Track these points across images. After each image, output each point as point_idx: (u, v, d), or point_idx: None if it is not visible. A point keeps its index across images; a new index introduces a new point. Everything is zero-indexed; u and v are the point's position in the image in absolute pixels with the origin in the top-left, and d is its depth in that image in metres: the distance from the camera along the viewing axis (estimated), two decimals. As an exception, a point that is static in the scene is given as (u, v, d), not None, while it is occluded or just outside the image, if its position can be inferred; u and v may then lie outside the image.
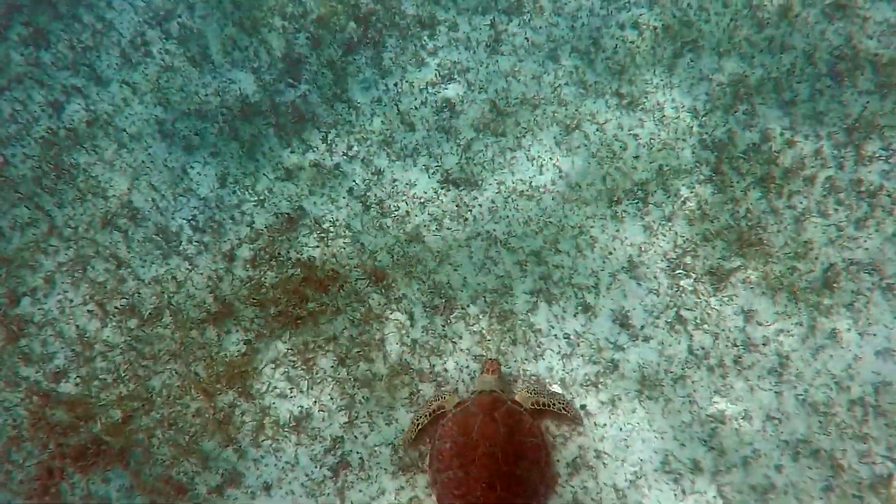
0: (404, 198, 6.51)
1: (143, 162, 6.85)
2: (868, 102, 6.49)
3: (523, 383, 5.73)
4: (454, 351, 5.82)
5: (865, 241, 5.98)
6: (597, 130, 6.63)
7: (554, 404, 5.50)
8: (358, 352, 5.84)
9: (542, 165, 6.51)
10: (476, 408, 5.35)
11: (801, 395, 5.46)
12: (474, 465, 5.11)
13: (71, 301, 6.29)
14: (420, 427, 5.49)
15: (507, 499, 5.09)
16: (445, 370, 5.73)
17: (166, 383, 5.84)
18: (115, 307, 6.20)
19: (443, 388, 5.73)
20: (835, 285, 5.82)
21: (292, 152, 6.85)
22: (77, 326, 6.14)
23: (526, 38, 7.09)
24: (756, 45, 6.86)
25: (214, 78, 7.25)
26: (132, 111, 7.14)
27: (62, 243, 6.55)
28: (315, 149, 6.83)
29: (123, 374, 5.89)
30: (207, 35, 7.47)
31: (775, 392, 5.50)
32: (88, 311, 6.21)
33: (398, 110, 6.91)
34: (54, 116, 7.15)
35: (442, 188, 6.52)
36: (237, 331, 6.03)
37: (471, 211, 6.38)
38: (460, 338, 5.85)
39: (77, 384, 5.89)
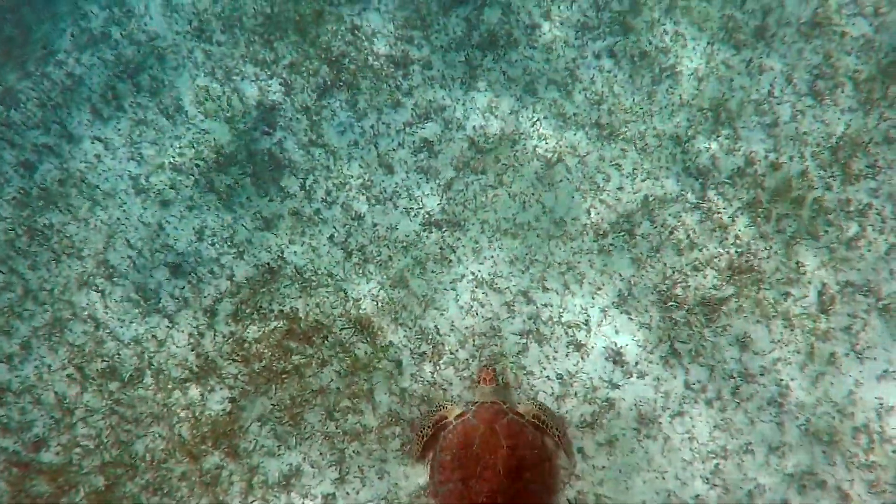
0: (386, 242, 6.45)
1: (118, 219, 6.78)
2: (851, 120, 6.50)
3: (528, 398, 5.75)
4: (445, 398, 5.73)
5: (858, 261, 5.95)
6: (578, 163, 6.60)
7: (552, 429, 5.51)
8: (346, 404, 5.76)
9: (524, 202, 6.47)
10: (477, 419, 5.38)
11: (804, 424, 5.40)
12: (475, 477, 5.15)
13: (49, 366, 6.18)
14: (425, 439, 5.51)
15: None
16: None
17: (150, 447, 5.73)
18: (95, 370, 6.10)
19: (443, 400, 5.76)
20: (830, 309, 5.77)
21: (270, 201, 6.80)
22: (56, 392, 6.03)
23: (502, 73, 7.09)
24: (734, 68, 6.87)
25: (188, 129, 7.21)
26: (105, 167, 7.09)
27: (38, 307, 6.45)
28: (293, 196, 6.78)
29: (105, 440, 5.78)
30: (179, 86, 7.45)
31: (777, 423, 5.43)
32: (67, 375, 6.11)
33: (376, 153, 6.88)
34: (26, 176, 7.09)
35: (424, 231, 6.46)
36: (221, 388, 5.94)
37: (454, 252, 6.33)
38: (451, 384, 5.77)
39: (58, 452, 5.77)
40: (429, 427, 5.54)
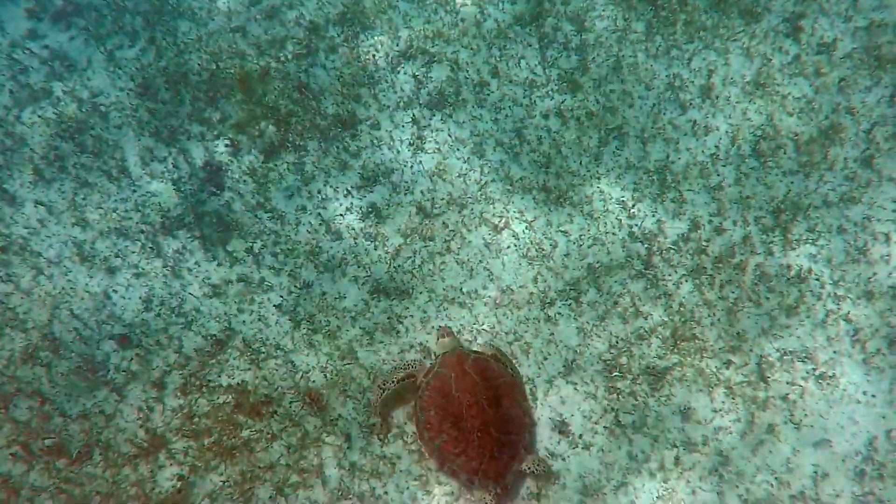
0: (334, 311, 6.77)
1: (63, 289, 7.02)
2: (792, 183, 6.92)
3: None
4: (393, 472, 6.07)
5: (797, 328, 6.38)
6: (526, 229, 6.97)
7: (507, 366, 6.24)
8: (296, 479, 6.07)
9: (472, 269, 6.83)
10: (446, 368, 6.07)
11: (743, 494, 5.82)
12: (464, 419, 5.83)
13: (-7, 444, 6.43)
14: (386, 393, 6.14)
15: (503, 437, 5.82)
16: (386, 493, 5.97)
17: (99, 528, 6.00)
18: (41, 448, 6.34)
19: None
20: (769, 377, 6.20)
21: (219, 265, 7.08)
22: (0, 472, 6.26)
23: (449, 134, 7.42)
24: (680, 129, 7.26)
25: (133, 192, 7.47)
26: (49, 233, 7.32)
27: (-20, 381, 6.69)
28: (242, 261, 7.06)
29: (53, 521, 6.05)
30: (123, 146, 7.69)
31: (717, 492, 5.84)
32: (12, 454, 6.34)
33: (322, 218, 7.19)
34: (-34, 243, 7.30)
35: (372, 299, 6.79)
36: (171, 465, 6.22)
37: (402, 323, 6.67)
38: (399, 458, 6.10)
39: (4, 536, 6.03)
40: (391, 382, 6.18)
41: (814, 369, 6.21)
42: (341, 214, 7.21)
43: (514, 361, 6.35)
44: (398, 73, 7.83)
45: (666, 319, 6.52)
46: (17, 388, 6.63)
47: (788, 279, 6.57)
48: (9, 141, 7.77)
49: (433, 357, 6.36)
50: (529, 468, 5.88)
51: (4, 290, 7.06)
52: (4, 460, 6.35)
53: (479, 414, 5.82)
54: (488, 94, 7.63)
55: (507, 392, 6.04)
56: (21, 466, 6.31)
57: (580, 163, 7.23)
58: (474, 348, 6.43)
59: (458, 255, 6.92)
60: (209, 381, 6.56)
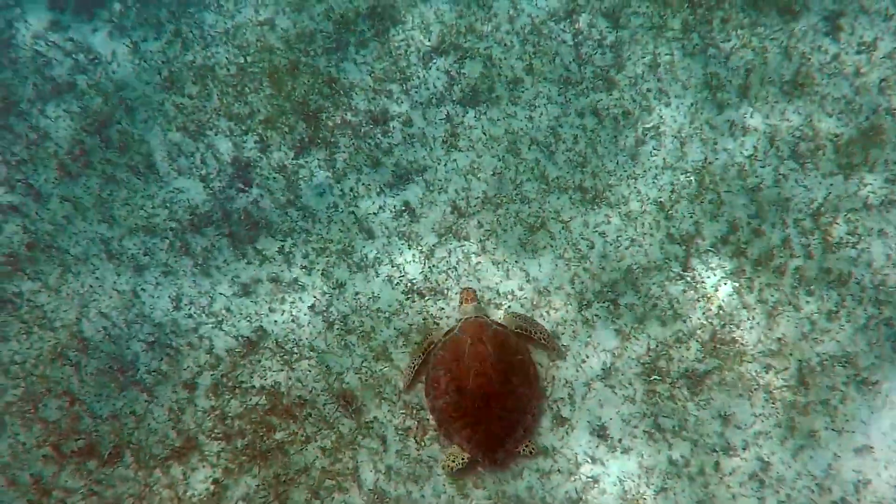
0: (368, 312, 6.81)
1: (90, 287, 7.06)
2: (832, 185, 6.95)
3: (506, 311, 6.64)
4: (431, 475, 6.13)
5: (837, 332, 6.42)
6: (562, 229, 7.01)
7: (536, 333, 6.42)
8: (331, 482, 6.13)
9: (507, 270, 6.88)
10: (464, 333, 6.30)
11: (784, 500, 5.87)
12: (468, 386, 6.04)
13: (23, 444, 6.48)
14: (416, 368, 6.40)
15: (503, 413, 6.02)
16: (423, 496, 6.02)
17: (133, 530, 6.07)
18: (72, 449, 6.39)
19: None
20: (809, 382, 6.24)
21: (248, 263, 7.12)
22: (32, 473, 6.32)
23: (483, 132, 7.45)
24: (717, 129, 7.29)
25: (160, 188, 7.50)
26: (75, 230, 7.35)
27: (10, 381, 6.75)
28: (272, 260, 7.10)
29: (85, 523, 6.12)
30: (150, 141, 7.71)
31: (757, 498, 5.91)
32: (43, 455, 6.39)
33: (355, 217, 7.23)
34: (-9, 239, 7.34)
35: (407, 299, 6.84)
36: (204, 467, 6.28)
37: (437, 324, 6.72)
38: (436, 461, 6.16)
39: (36, 537, 6.10)
40: (419, 356, 6.47)
41: (855, 374, 6.27)
42: (374, 213, 7.26)
43: (541, 331, 6.47)
44: (430, 68, 7.86)
45: (705, 322, 6.57)
46: (46, 388, 6.70)
47: (828, 283, 6.62)
48: (33, 135, 7.79)
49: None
50: (523, 450, 6.10)
51: (32, 288, 7.11)
52: (36, 461, 6.41)
53: (485, 385, 6.05)
54: (522, 92, 7.66)
55: (520, 370, 6.22)
56: (52, 467, 6.38)
57: (617, 162, 7.28)
58: (505, 315, 6.64)
59: (493, 255, 6.97)
60: (241, 382, 6.62)
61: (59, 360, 6.81)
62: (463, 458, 6.02)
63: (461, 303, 6.56)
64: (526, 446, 6.11)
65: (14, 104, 7.94)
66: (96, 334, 6.89)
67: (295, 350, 6.72)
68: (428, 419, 6.28)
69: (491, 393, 6.03)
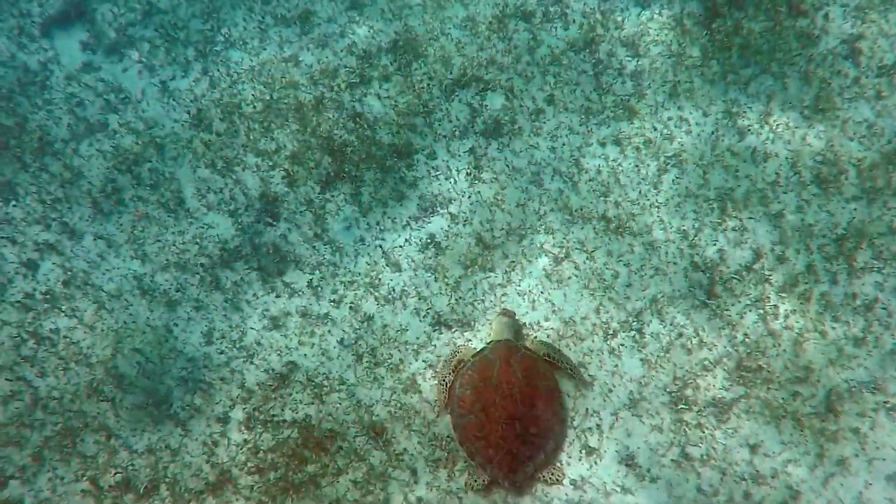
0: (396, 345, 6.94)
1: (124, 323, 7.25)
2: (856, 209, 7.00)
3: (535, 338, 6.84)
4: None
5: (865, 358, 6.46)
6: (587, 259, 7.11)
7: (562, 362, 6.58)
8: (363, 514, 6.26)
9: (533, 301, 6.99)
10: (494, 355, 6.46)
11: (814, 528, 5.92)
12: (494, 407, 6.20)
13: (62, 479, 6.65)
14: (448, 386, 6.54)
15: (526, 437, 6.15)
16: (453, 526, 6.14)
17: (170, 564, 6.22)
18: (110, 483, 6.56)
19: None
20: (838, 409, 6.28)
21: (277, 297, 7.28)
22: (71, 508, 6.52)
23: (507, 163, 7.57)
24: (739, 156, 7.36)
25: (191, 224, 7.68)
26: (109, 266, 7.55)
27: (48, 416, 6.92)
28: (301, 293, 7.25)
29: (124, 557, 6.27)
30: (180, 178, 7.91)
31: (788, 527, 5.95)
32: (82, 489, 6.57)
33: (382, 250, 7.37)
34: (29, 276, 7.52)
35: (434, 331, 6.96)
36: (238, 500, 6.42)
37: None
38: (465, 493, 6.25)
39: (77, 572, 6.27)
40: (449, 374, 6.64)
41: (884, 401, 6.30)
42: (400, 246, 7.41)
43: (567, 361, 6.61)
44: (452, 101, 8.00)
45: (731, 350, 6.63)
46: (84, 423, 6.87)
47: (854, 308, 6.67)
48: (67, 174, 8.02)
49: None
50: (543, 476, 6.22)
51: (68, 325, 7.30)
52: (74, 496, 6.59)
53: (510, 407, 6.20)
54: (544, 122, 7.78)
55: (546, 396, 6.37)
56: (90, 502, 6.54)
57: (639, 191, 7.38)
58: (527, 344, 6.73)
59: (518, 286, 7.09)
60: (273, 415, 6.76)
61: (95, 395, 6.98)
62: (483, 479, 6.16)
63: (496, 318, 6.76)
64: (552, 473, 6.23)
65: (49, 144, 8.18)
66: (131, 369, 7.08)
67: (325, 383, 6.87)
68: (457, 450, 6.40)
69: (516, 416, 6.18)
